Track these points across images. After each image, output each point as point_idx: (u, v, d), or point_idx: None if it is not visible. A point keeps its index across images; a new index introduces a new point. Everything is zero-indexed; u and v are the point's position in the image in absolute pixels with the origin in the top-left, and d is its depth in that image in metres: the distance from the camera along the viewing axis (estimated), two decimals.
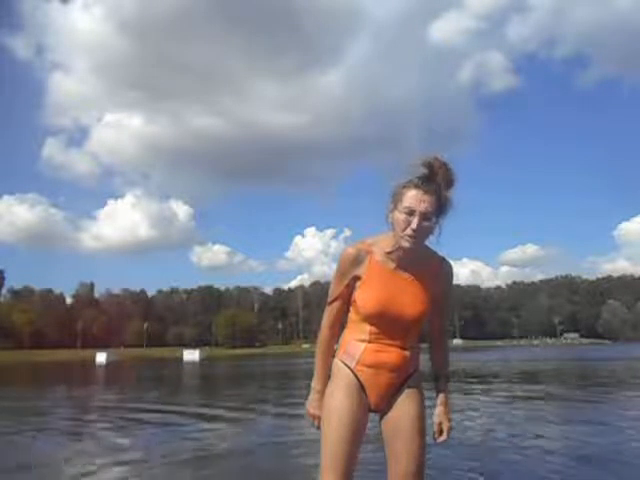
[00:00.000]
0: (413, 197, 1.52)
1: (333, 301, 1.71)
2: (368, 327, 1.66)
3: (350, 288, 1.67)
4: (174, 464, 3.95)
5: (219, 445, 4.83)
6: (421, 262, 1.65)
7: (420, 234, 1.54)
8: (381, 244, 1.65)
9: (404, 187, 1.55)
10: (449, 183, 1.54)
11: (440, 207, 1.54)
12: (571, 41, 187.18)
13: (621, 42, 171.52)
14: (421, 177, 1.53)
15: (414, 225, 1.52)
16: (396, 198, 1.56)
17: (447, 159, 1.53)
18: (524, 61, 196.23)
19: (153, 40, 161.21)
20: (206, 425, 6.23)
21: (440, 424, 1.73)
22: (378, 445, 1.75)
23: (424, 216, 1.52)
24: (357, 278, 1.65)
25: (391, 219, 1.59)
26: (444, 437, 1.72)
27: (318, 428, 1.71)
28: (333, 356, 1.75)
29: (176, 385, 15.70)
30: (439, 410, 1.73)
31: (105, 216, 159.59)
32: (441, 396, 1.75)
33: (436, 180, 1.53)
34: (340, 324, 1.75)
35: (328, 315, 1.74)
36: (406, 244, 1.55)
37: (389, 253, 1.63)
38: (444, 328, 1.82)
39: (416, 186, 1.53)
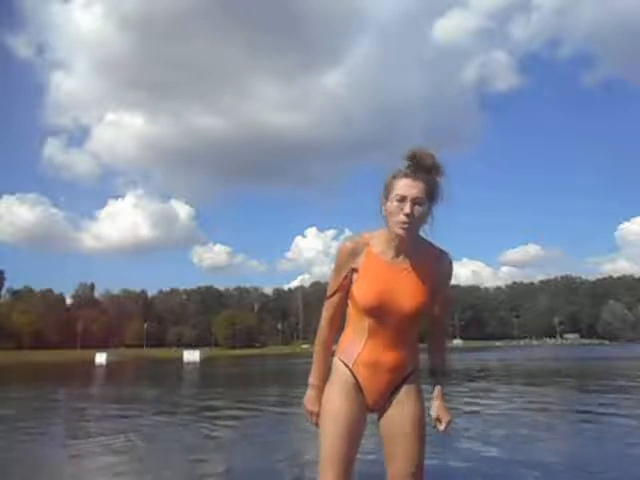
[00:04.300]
0: (403, 185, 1.55)
1: (332, 295, 1.70)
2: (367, 323, 1.63)
3: (348, 281, 1.66)
4: None
5: None
6: (419, 254, 1.65)
7: (414, 220, 1.55)
8: (378, 238, 1.65)
9: (394, 177, 1.58)
10: (437, 171, 1.58)
11: (431, 194, 1.57)
12: (575, 41, 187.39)
13: (626, 42, 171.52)
14: (410, 166, 1.57)
15: (407, 210, 1.53)
16: (387, 189, 1.60)
17: (434, 151, 1.57)
18: (528, 61, 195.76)
19: (154, 39, 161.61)
20: None
21: (438, 418, 1.70)
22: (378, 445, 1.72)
23: (415, 201, 1.54)
24: (355, 271, 1.64)
25: (384, 212, 1.60)
26: (442, 427, 1.69)
27: (315, 424, 1.69)
28: (333, 353, 1.73)
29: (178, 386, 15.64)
30: (436, 404, 1.71)
31: (106, 216, 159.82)
32: (437, 390, 1.73)
33: (424, 169, 1.56)
34: (340, 319, 1.73)
35: (327, 309, 1.72)
36: (401, 231, 1.55)
37: (387, 245, 1.63)
38: (444, 322, 1.80)
39: (405, 175, 1.57)
